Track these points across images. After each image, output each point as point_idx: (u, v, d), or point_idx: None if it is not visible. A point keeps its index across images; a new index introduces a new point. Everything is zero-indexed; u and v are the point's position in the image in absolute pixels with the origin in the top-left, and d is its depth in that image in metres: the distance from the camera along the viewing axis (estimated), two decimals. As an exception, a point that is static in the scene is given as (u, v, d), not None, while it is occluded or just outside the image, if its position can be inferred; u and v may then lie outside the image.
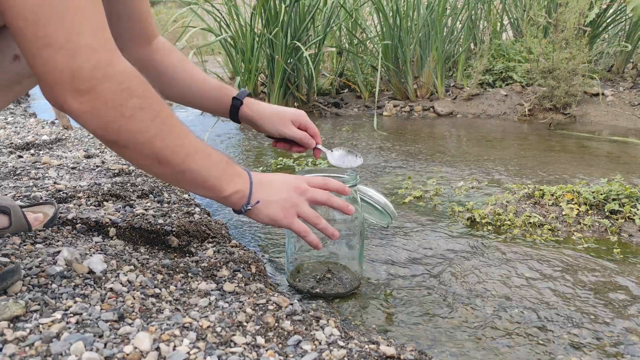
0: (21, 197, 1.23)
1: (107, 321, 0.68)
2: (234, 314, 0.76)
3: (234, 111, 1.09)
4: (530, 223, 1.32)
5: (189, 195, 1.54)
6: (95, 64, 0.64)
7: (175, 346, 0.65)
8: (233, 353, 0.66)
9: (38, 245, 0.93)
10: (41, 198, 1.22)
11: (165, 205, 1.30)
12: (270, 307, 0.79)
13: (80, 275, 0.80)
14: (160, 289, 0.82)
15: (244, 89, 1.11)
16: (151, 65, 1.06)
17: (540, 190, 1.43)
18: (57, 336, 0.64)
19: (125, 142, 0.70)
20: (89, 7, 0.64)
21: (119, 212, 1.19)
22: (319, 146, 1.10)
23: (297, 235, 0.88)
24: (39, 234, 0.98)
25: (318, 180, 0.90)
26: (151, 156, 0.73)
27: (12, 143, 1.93)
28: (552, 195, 1.41)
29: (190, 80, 1.09)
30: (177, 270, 0.92)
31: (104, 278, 0.80)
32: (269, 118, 1.09)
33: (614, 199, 1.35)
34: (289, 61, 3.01)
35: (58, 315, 0.68)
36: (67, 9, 0.61)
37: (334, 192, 0.90)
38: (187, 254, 1.08)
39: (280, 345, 0.70)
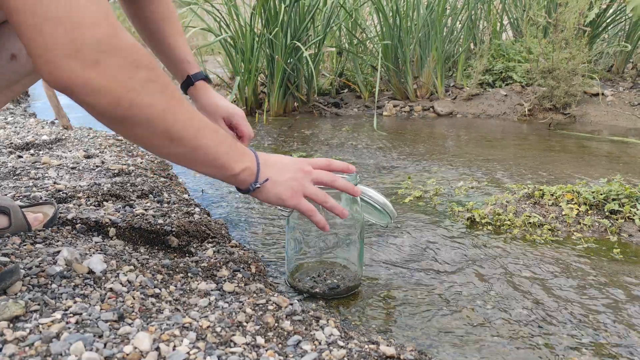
0: (21, 197, 1.23)
1: (107, 321, 0.68)
2: (233, 314, 0.76)
3: (184, 88, 1.16)
4: (530, 223, 1.32)
5: (188, 195, 1.54)
6: (100, 37, 0.61)
7: (175, 346, 0.65)
8: (233, 353, 0.66)
9: (38, 245, 0.93)
10: (41, 198, 1.22)
11: (165, 205, 1.30)
12: (270, 307, 0.79)
13: (80, 275, 0.80)
14: (160, 289, 0.82)
15: (201, 70, 1.17)
16: (142, 15, 1.10)
17: (540, 190, 1.43)
18: (57, 336, 0.64)
19: (137, 119, 0.67)
20: None
21: (119, 212, 1.19)
22: None
23: (304, 217, 0.88)
24: (38, 234, 0.98)
25: (322, 162, 0.90)
26: (163, 133, 0.70)
27: (11, 143, 1.93)
28: (552, 195, 1.41)
29: (167, 42, 1.13)
30: (177, 270, 0.92)
31: (103, 278, 0.80)
32: (205, 107, 1.16)
33: (613, 199, 1.35)
34: (288, 61, 3.01)
35: (58, 315, 0.68)
36: None
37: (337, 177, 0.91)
38: (187, 254, 1.08)
39: (280, 345, 0.70)
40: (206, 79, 1.18)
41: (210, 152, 0.76)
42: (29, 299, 0.71)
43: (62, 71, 0.60)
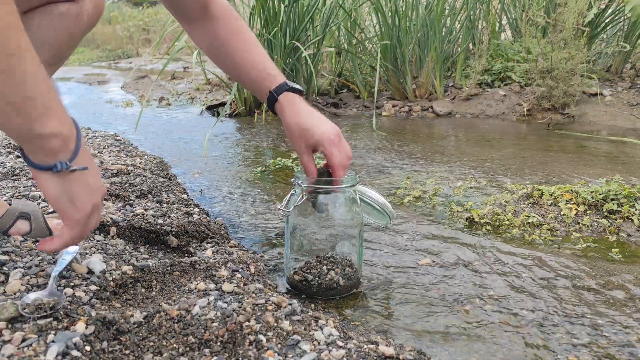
0: (20, 197, 1.22)
1: (106, 321, 0.68)
2: (233, 314, 0.76)
3: (270, 106, 0.98)
4: (528, 223, 1.33)
5: (187, 195, 1.54)
6: None
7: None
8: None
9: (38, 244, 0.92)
10: (39, 197, 1.22)
11: (165, 205, 1.30)
12: (270, 307, 0.79)
13: (80, 276, 0.80)
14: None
15: (285, 81, 0.97)
16: (205, 33, 0.99)
17: (539, 190, 1.43)
18: (56, 337, 0.64)
19: None
20: None
21: (120, 211, 1.19)
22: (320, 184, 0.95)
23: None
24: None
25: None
26: None
27: (10, 143, 1.93)
28: (551, 195, 1.41)
29: (237, 58, 0.98)
30: (176, 270, 0.92)
31: (103, 278, 0.80)
32: (288, 128, 0.95)
33: (612, 199, 1.35)
34: (287, 61, 3.01)
35: (57, 315, 0.68)
36: None
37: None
38: (186, 254, 1.08)
39: (279, 345, 0.70)
40: (293, 90, 0.96)
41: (21, 85, 0.55)
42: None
43: None
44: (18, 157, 1.70)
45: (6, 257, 0.83)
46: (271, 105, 0.97)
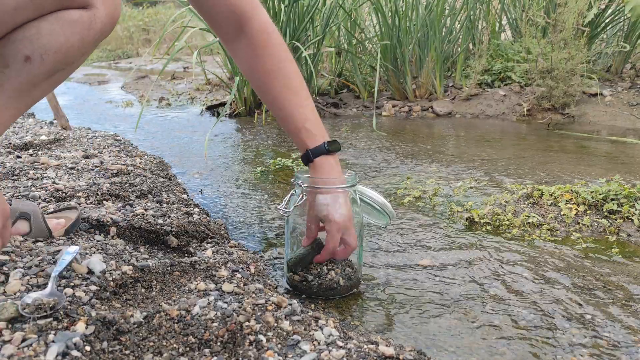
0: (20, 197, 1.22)
1: (106, 321, 0.68)
2: (233, 314, 0.76)
3: (305, 161, 0.97)
4: (528, 223, 1.33)
5: (187, 195, 1.54)
6: None
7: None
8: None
9: (39, 244, 0.92)
10: (39, 197, 1.22)
11: (165, 205, 1.30)
12: (270, 307, 0.79)
13: (80, 276, 0.80)
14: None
15: (324, 142, 0.94)
16: (244, 63, 0.94)
17: (539, 190, 1.43)
18: (56, 337, 0.64)
19: None
20: None
21: (119, 211, 1.19)
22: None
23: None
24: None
25: None
26: None
27: (10, 143, 1.93)
28: (551, 195, 1.41)
29: (276, 104, 0.95)
30: (176, 270, 0.92)
31: (103, 278, 0.80)
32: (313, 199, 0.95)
33: (612, 199, 1.35)
34: (287, 61, 3.00)
35: (57, 316, 0.68)
36: None
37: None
38: (186, 254, 1.08)
39: (279, 345, 0.70)
40: (329, 152, 0.95)
41: None
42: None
43: None
44: (18, 157, 1.70)
45: (6, 257, 0.83)
46: (305, 161, 0.97)
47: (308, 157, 0.95)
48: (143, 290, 0.85)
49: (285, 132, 0.98)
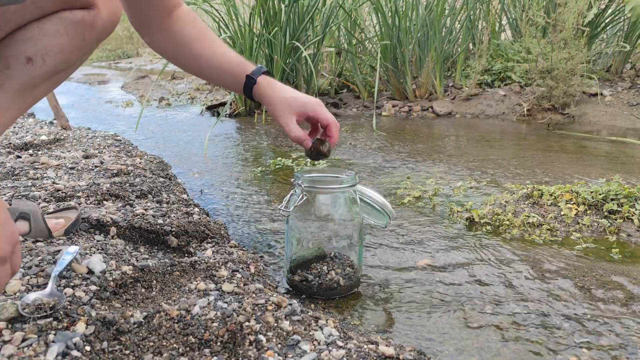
0: (20, 197, 1.22)
1: (106, 321, 0.68)
2: (233, 314, 0.76)
3: (248, 91, 0.99)
4: (528, 223, 1.33)
5: (187, 195, 1.54)
6: None
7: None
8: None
9: (39, 244, 0.92)
10: (39, 197, 1.22)
11: (165, 205, 1.30)
12: (270, 307, 0.79)
13: (80, 276, 0.80)
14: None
15: (260, 65, 1.00)
16: (170, 37, 1.00)
17: (539, 190, 1.43)
18: (56, 337, 0.64)
19: None
20: None
21: (120, 211, 1.19)
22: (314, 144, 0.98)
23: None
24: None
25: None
26: None
27: (10, 143, 1.93)
28: (551, 195, 1.41)
29: (208, 54, 1.00)
30: (176, 270, 0.92)
31: (103, 278, 0.80)
32: (274, 105, 0.97)
33: (612, 199, 1.35)
34: (287, 61, 3.01)
35: (57, 316, 0.68)
36: None
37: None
38: (186, 254, 1.08)
39: (279, 345, 0.70)
40: (267, 72, 1.01)
41: None
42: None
43: None
44: (18, 157, 1.70)
45: (6, 257, 0.83)
46: (250, 89, 0.98)
47: (251, 81, 0.98)
48: (143, 290, 0.85)
49: (219, 82, 1.04)
